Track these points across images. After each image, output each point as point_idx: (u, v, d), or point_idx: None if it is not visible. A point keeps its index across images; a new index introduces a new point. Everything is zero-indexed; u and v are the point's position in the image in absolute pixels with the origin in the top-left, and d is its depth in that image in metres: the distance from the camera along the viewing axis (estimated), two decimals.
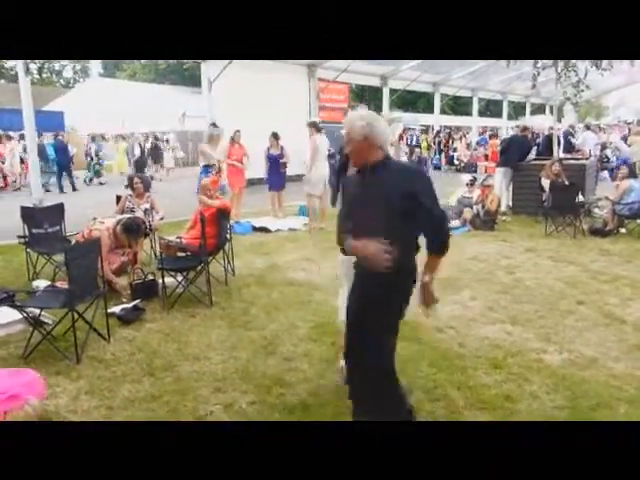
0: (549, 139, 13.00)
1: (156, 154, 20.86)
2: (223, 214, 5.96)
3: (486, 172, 16.14)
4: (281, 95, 14.34)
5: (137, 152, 17.20)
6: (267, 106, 13.44)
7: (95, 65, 36.88)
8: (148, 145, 19.92)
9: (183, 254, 5.83)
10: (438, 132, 23.52)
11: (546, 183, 8.98)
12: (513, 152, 10.36)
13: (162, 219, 6.88)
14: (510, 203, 10.50)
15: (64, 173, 16.37)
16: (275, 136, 10.08)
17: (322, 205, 8.99)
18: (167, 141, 23.04)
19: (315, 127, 8.97)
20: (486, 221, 9.06)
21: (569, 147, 15.66)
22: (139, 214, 6.45)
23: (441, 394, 3.45)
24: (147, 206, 6.66)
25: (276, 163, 10.04)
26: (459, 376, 3.70)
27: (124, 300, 5.23)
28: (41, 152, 16.16)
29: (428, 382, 3.61)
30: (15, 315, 4.55)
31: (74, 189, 16.31)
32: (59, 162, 16.39)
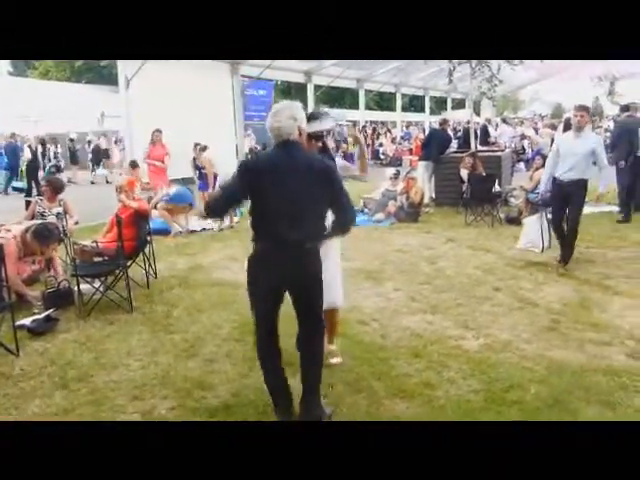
0: (468, 132, 13.54)
1: (75, 156, 19.97)
2: (141, 216, 5.76)
3: (411, 165, 16.53)
4: (203, 92, 14.02)
5: (28, 155, 16.20)
6: (189, 104, 13.09)
7: (4, 64, 34.63)
8: (57, 147, 19.14)
9: (100, 259, 5.59)
10: (364, 127, 23.84)
11: (465, 174, 9.30)
12: (433, 146, 10.67)
13: (77, 223, 6.57)
14: (433, 195, 10.81)
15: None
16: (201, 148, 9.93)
17: None
18: (89, 142, 22.00)
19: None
20: (410, 213, 9.28)
21: (486, 140, 16.29)
22: (51, 219, 6.12)
23: (363, 386, 3.49)
24: (60, 210, 6.33)
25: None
26: (381, 367, 3.75)
27: (36, 311, 4.95)
28: None
29: (350, 375, 3.63)
30: None
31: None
32: (10, 165, 16.11)
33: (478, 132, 15.28)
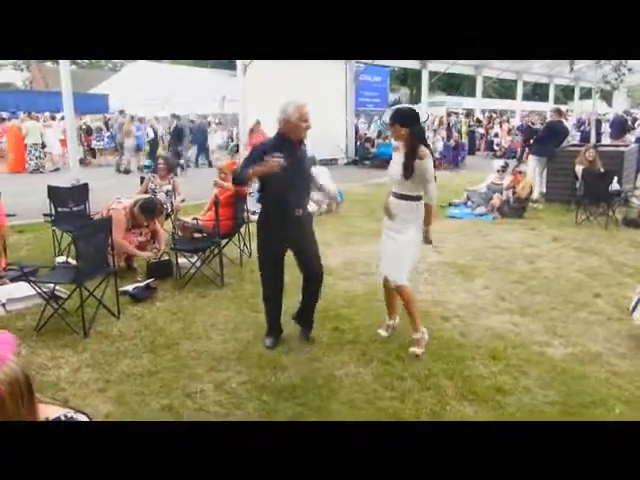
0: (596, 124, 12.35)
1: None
2: (239, 197, 6.01)
3: (527, 158, 15.62)
4: (317, 77, 14.23)
5: (151, 134, 17.16)
6: (302, 88, 13.36)
7: None
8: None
9: (199, 235, 5.92)
10: (478, 119, 22.89)
11: (579, 170, 8.65)
12: (548, 141, 10.02)
13: (183, 201, 6.99)
14: (544, 190, 10.18)
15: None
16: None
17: None
18: (208, 124, 23.13)
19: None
20: (515, 208, 8.83)
21: (621, 133, 14.62)
22: (161, 195, 6.57)
23: (433, 383, 3.42)
24: (169, 187, 6.77)
25: None
26: (455, 365, 3.65)
27: (139, 278, 5.37)
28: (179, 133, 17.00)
29: (422, 370, 3.58)
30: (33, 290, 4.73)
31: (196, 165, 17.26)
32: (197, 141, 17.63)
33: (606, 125, 14.06)
